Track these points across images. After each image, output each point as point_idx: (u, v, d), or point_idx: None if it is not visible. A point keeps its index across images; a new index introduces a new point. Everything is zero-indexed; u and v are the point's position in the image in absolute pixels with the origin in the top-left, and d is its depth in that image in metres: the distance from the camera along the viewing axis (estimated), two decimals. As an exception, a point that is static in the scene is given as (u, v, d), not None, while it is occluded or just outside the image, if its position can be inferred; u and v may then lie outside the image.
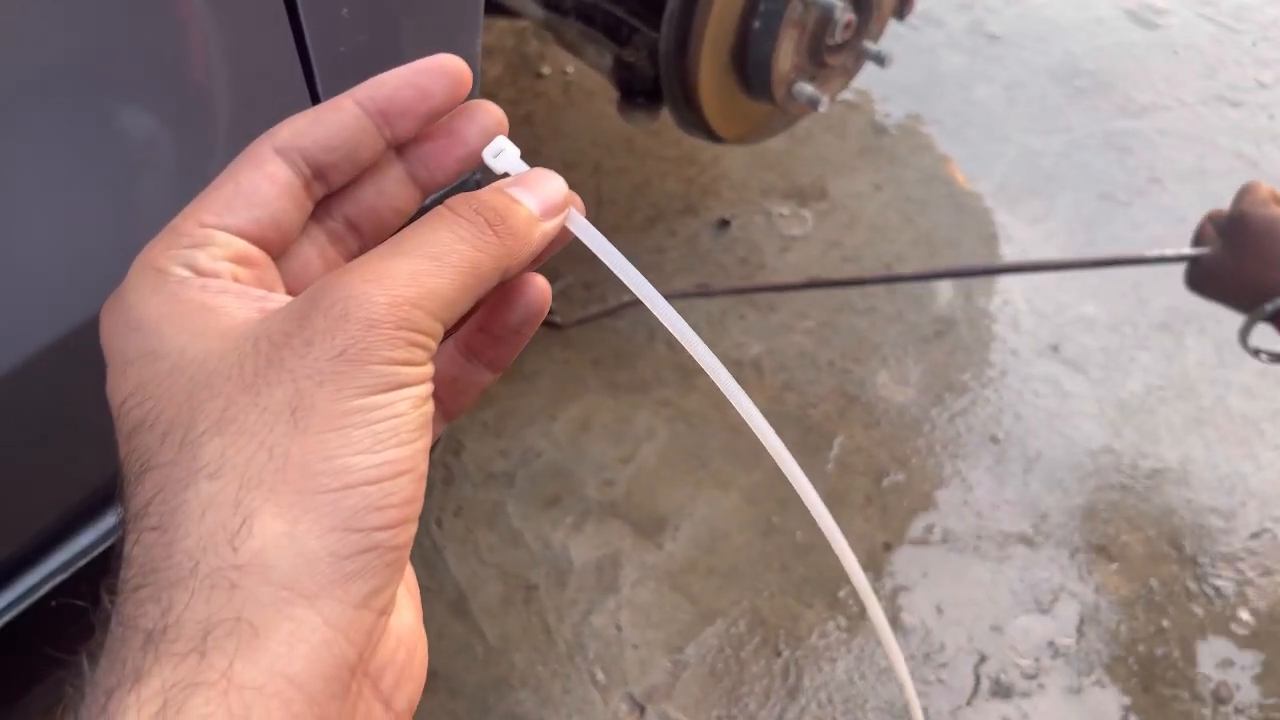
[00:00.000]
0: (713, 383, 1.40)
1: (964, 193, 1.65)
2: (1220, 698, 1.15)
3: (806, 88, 1.22)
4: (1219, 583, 1.24)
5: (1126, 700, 1.15)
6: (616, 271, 0.35)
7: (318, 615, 0.25)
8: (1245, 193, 1.04)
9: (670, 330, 0.36)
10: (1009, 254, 1.57)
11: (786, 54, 1.19)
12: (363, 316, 0.27)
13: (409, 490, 0.27)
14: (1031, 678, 1.16)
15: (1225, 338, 1.47)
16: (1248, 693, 1.16)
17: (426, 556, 1.25)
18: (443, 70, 0.32)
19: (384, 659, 0.28)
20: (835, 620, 1.21)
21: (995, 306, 1.51)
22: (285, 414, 0.26)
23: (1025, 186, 1.67)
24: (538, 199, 0.32)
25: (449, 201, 0.31)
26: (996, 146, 1.73)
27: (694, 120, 1.28)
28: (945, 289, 1.53)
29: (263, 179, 0.31)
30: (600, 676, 1.16)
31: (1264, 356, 1.07)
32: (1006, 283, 1.54)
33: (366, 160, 0.33)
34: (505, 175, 0.33)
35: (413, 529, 0.28)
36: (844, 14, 1.17)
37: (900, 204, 1.64)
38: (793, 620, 1.21)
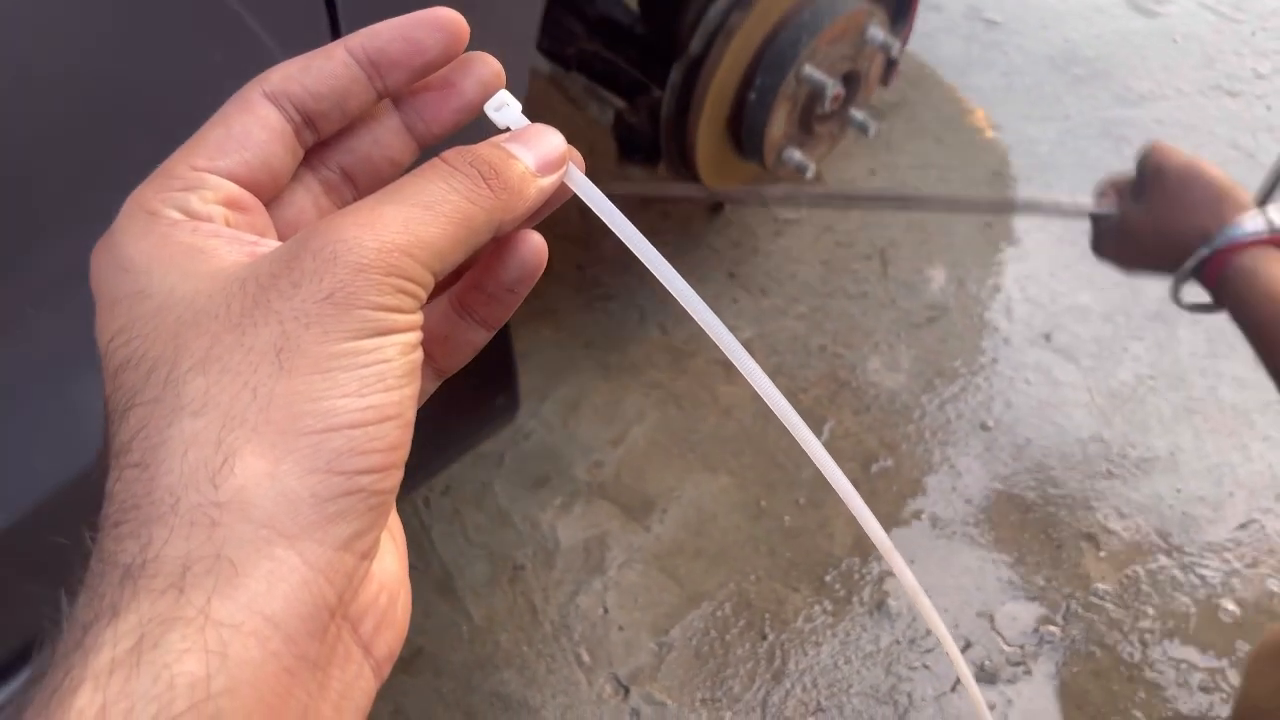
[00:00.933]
0: (703, 366, 1.41)
1: (959, 178, 1.64)
2: (1205, 687, 1.16)
3: (795, 154, 1.33)
4: (1205, 572, 1.24)
5: (1112, 687, 1.15)
6: (615, 229, 0.34)
7: (297, 555, 0.25)
8: (1154, 151, 1.00)
9: (669, 289, 0.35)
10: (1003, 240, 1.57)
11: (779, 124, 1.28)
12: (352, 260, 0.27)
13: (394, 436, 0.27)
14: (1017, 664, 1.17)
15: (1218, 328, 1.47)
16: (1231, 682, 1.16)
17: (413, 535, 1.25)
18: (438, 23, 0.31)
19: (365, 603, 0.27)
20: (821, 604, 1.21)
21: (988, 294, 1.51)
22: (270, 355, 0.26)
23: (1021, 173, 1.66)
24: (535, 154, 0.31)
25: (445, 154, 0.30)
26: (993, 133, 1.72)
27: (688, 176, 1.36)
28: (938, 277, 1.52)
29: (254, 122, 0.30)
30: (585, 657, 1.16)
31: (1194, 307, 1.00)
32: (1000, 270, 1.53)
33: (356, 110, 0.32)
34: (506, 130, 0.33)
35: (398, 475, 0.27)
36: (834, 89, 1.26)
37: (893, 189, 1.63)
38: (779, 604, 1.21)
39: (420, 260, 0.28)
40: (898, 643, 1.18)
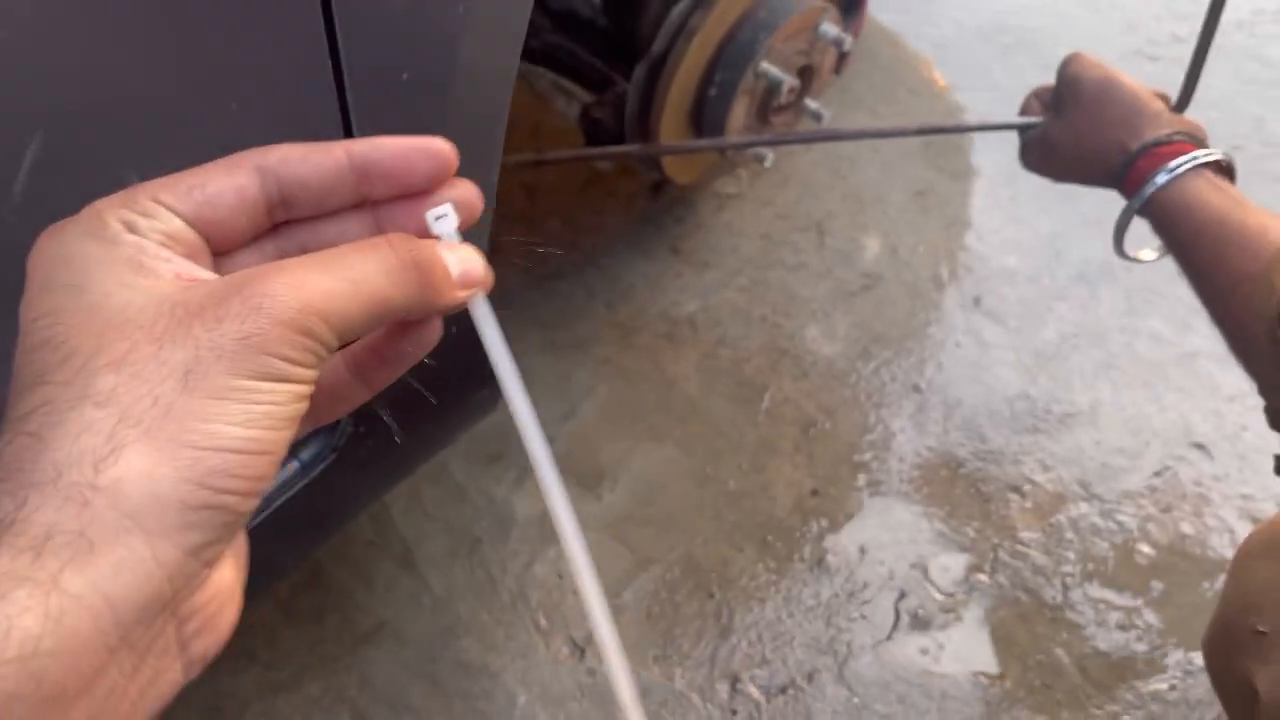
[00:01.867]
0: (650, 341, 1.47)
1: (890, 149, 1.70)
2: (1122, 625, 1.24)
3: (761, 137, 1.39)
4: (1123, 518, 1.32)
5: (1036, 629, 1.23)
6: (495, 364, 0.38)
7: (150, 551, 0.28)
8: (1071, 61, 1.01)
9: (511, 405, 0.40)
10: (933, 208, 1.63)
11: (738, 116, 1.35)
12: (274, 313, 0.30)
13: (263, 469, 0.30)
14: (949, 611, 1.24)
15: (1135, 287, 1.54)
16: (1147, 618, 1.24)
17: (374, 512, 1.30)
18: (434, 152, 0.36)
19: (196, 605, 0.31)
20: (764, 563, 1.27)
21: (920, 261, 1.57)
22: (180, 372, 0.29)
23: (950, 142, 1.72)
24: (461, 269, 0.36)
25: (390, 235, 0.34)
26: (925, 103, 1.78)
27: (652, 166, 1.44)
28: (873, 246, 1.59)
29: (230, 188, 0.34)
30: (542, 622, 1.22)
31: (1147, 253, 0.99)
32: (933, 238, 1.60)
33: (333, 207, 0.36)
34: (437, 237, 0.36)
35: (254, 503, 0.31)
36: (789, 83, 1.33)
37: (830, 162, 1.69)
38: (724, 564, 1.27)
39: (332, 326, 0.31)
40: (836, 596, 1.25)
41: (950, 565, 1.28)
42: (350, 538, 1.28)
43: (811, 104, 1.42)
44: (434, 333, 0.38)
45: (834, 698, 1.18)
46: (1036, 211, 1.63)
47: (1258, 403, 1.43)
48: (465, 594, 1.25)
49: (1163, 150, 0.90)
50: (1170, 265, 1.56)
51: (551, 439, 1.38)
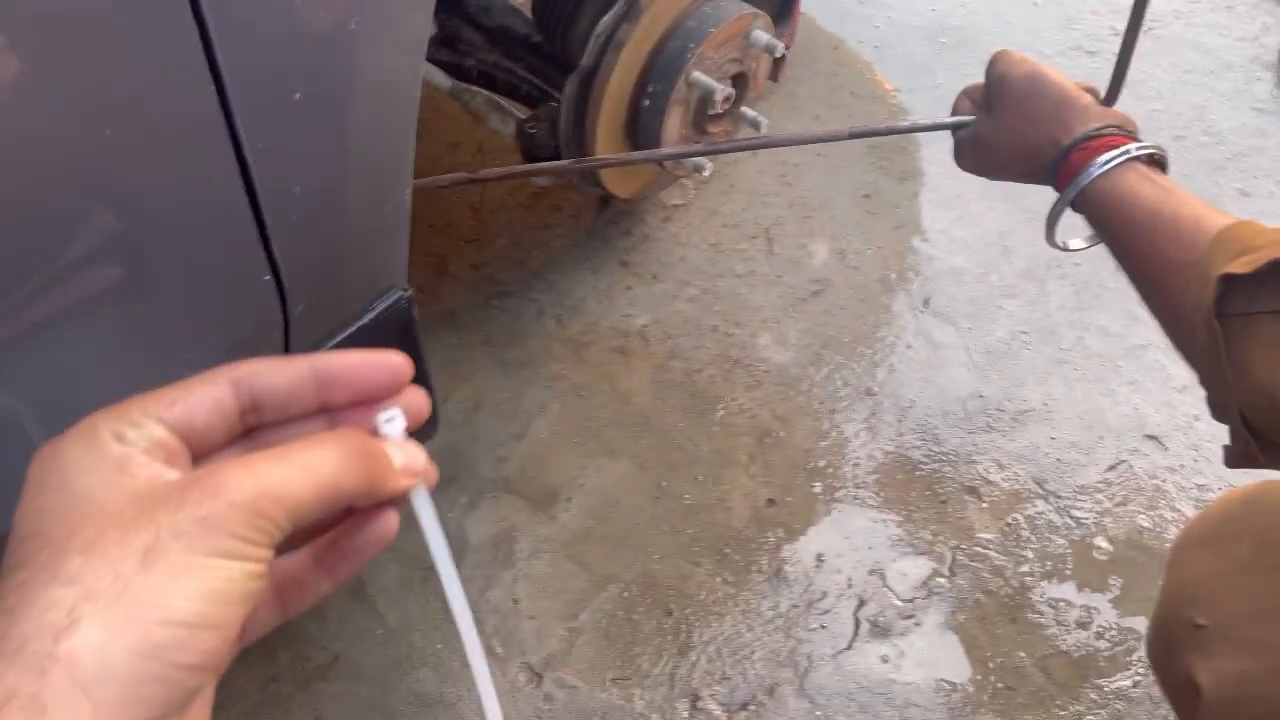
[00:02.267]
0: (601, 355, 1.45)
1: (835, 154, 1.70)
2: (1082, 623, 1.24)
3: (694, 147, 1.38)
4: (1079, 514, 1.32)
5: (997, 630, 1.23)
6: (432, 549, 0.41)
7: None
8: (998, 59, 1.01)
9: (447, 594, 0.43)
10: (880, 211, 1.63)
11: (674, 126, 1.34)
12: (229, 498, 0.34)
13: (214, 645, 0.33)
14: (908, 618, 1.23)
15: (1083, 281, 1.55)
16: (1107, 615, 1.24)
17: (324, 545, 1.27)
18: (390, 368, 0.40)
19: None
20: (722, 576, 1.26)
21: (868, 264, 1.57)
22: (140, 552, 0.33)
23: (895, 145, 1.72)
24: (406, 461, 0.40)
25: (340, 430, 0.39)
26: (868, 106, 1.78)
27: (592, 181, 1.42)
28: (821, 251, 1.58)
29: (209, 399, 0.38)
30: (498, 649, 1.20)
31: (1077, 242, 1.00)
32: (880, 241, 1.59)
33: (297, 413, 0.40)
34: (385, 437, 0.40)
35: (208, 680, 0.33)
36: (723, 92, 1.31)
37: (776, 169, 1.68)
38: (682, 580, 1.26)
39: (284, 509, 0.35)
40: (796, 607, 1.24)
41: (908, 570, 1.27)
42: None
43: (749, 112, 1.41)
44: (389, 528, 0.41)
45: (796, 711, 1.16)
46: (982, 210, 1.63)
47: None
48: (419, 624, 1.22)
49: (1094, 143, 0.89)
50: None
51: (504, 459, 1.36)
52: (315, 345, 0.81)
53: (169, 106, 0.58)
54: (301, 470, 0.36)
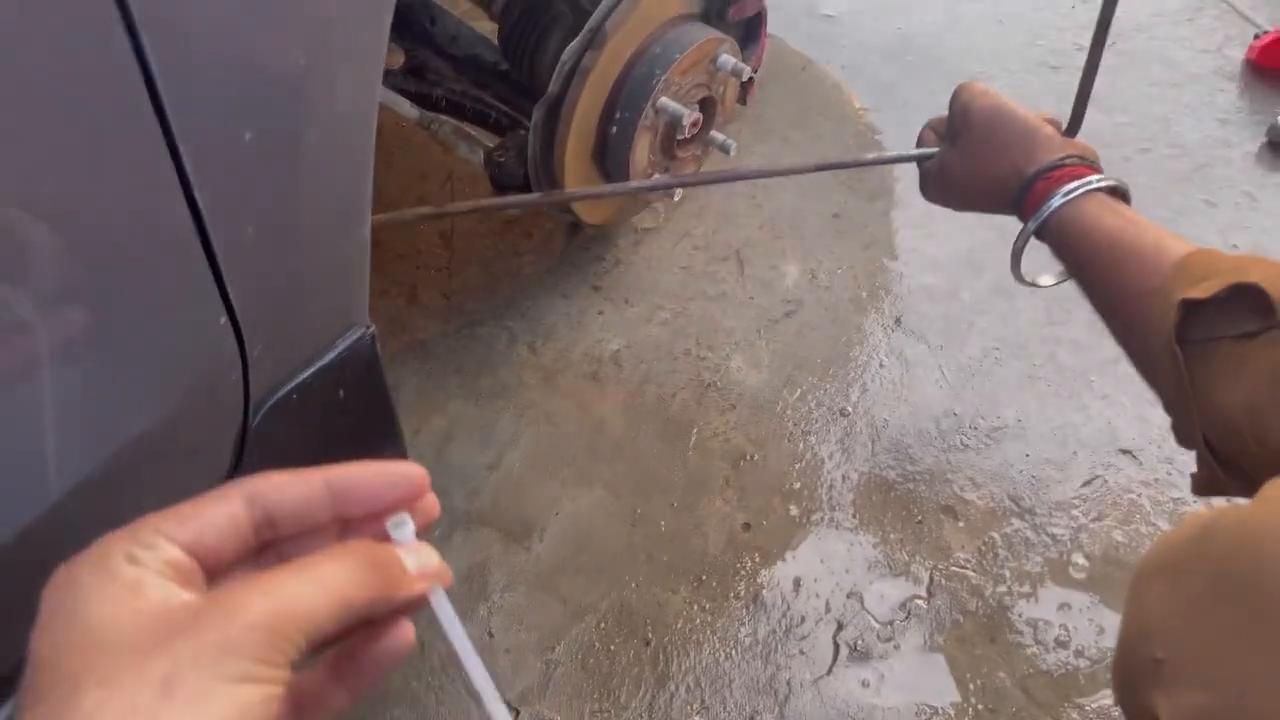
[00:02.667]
0: (574, 382, 1.45)
1: (805, 175, 1.70)
2: (1061, 641, 1.23)
3: (662, 180, 1.37)
4: (1055, 531, 1.31)
5: (976, 651, 1.22)
6: (456, 649, 0.41)
7: None
8: (961, 91, 1.01)
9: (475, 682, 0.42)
10: (850, 230, 1.63)
11: (642, 152, 1.34)
12: (246, 620, 0.34)
13: None
14: (887, 640, 1.22)
15: (1053, 296, 1.55)
16: (1085, 634, 1.23)
17: (295, 583, 1.26)
18: (406, 482, 0.41)
19: None
20: (700, 604, 1.25)
21: (840, 284, 1.57)
22: (157, 683, 0.33)
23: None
24: (419, 566, 0.40)
25: (352, 543, 0.39)
26: (837, 126, 1.79)
27: (562, 209, 1.42)
28: (792, 272, 1.58)
29: (223, 516, 0.39)
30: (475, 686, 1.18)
31: (1046, 278, 0.99)
32: (851, 261, 1.59)
33: (312, 527, 0.41)
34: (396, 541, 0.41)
35: None
36: (690, 117, 1.32)
37: (746, 190, 1.68)
38: (659, 608, 1.24)
39: (301, 628, 0.35)
40: (774, 633, 1.22)
41: (886, 592, 1.26)
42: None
43: (718, 135, 1.41)
44: (405, 640, 0.42)
45: (777, 739, 1.15)
46: (951, 228, 1.64)
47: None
48: (393, 661, 1.20)
49: (1057, 174, 0.90)
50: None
51: (477, 491, 1.35)
52: (276, 386, 0.80)
53: (115, 153, 0.57)
54: (316, 587, 0.36)
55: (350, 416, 0.92)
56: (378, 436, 0.98)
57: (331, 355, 0.83)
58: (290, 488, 0.40)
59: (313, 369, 0.82)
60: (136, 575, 0.36)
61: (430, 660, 1.20)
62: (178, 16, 0.55)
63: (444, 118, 1.40)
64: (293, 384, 0.81)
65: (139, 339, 0.68)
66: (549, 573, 1.28)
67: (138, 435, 0.67)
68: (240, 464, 0.80)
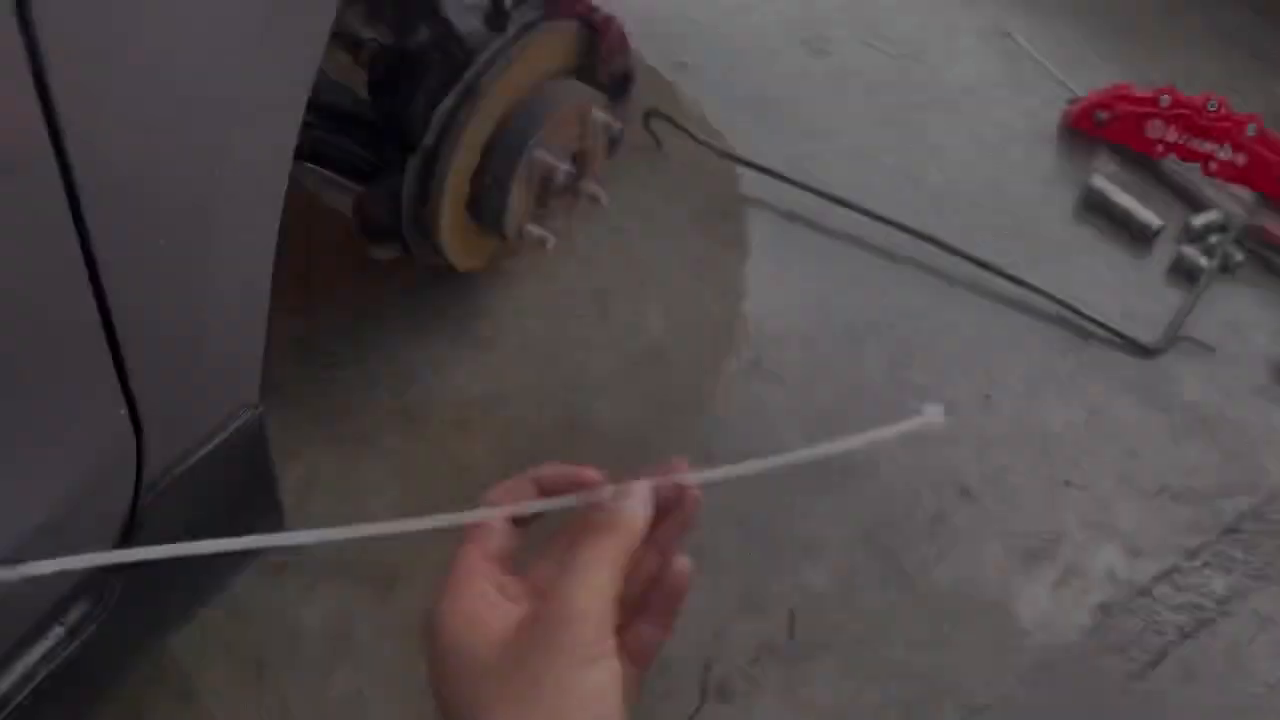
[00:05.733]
0: (439, 428, 1.44)
1: (664, 221, 1.75)
2: (915, 673, 1.30)
3: (535, 229, 1.43)
4: (905, 567, 1.39)
5: (840, 687, 1.27)
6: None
7: None
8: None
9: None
10: (709, 276, 1.68)
11: (518, 203, 1.37)
12: (573, 614, 0.44)
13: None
14: (751, 680, 1.26)
15: (898, 341, 1.65)
16: (935, 661, 1.31)
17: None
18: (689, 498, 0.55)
19: None
20: (571, 651, 1.26)
21: (701, 329, 1.61)
22: (548, 713, 0.43)
23: (722, 211, 1.79)
24: (629, 503, 0.52)
25: (594, 516, 0.51)
26: (692, 172, 1.84)
27: (434, 254, 1.43)
28: (655, 316, 1.62)
29: (507, 534, 0.55)
30: (341, 743, 1.16)
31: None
32: (710, 307, 1.65)
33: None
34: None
35: None
36: (564, 170, 1.36)
37: (610, 235, 1.72)
38: (530, 656, 1.25)
39: (606, 600, 0.45)
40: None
41: (750, 630, 1.30)
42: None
43: (589, 187, 1.44)
44: (681, 566, 0.54)
45: (649, 783, 1.17)
46: (804, 275, 1.71)
47: (1015, 444, 1.55)
48: (254, 723, 1.16)
49: None
50: (927, 322, 1.67)
51: (339, 542, 1.31)
52: (168, 469, 0.79)
53: (30, 253, 0.57)
54: (599, 562, 0.46)
55: (235, 493, 0.91)
56: (258, 512, 0.96)
57: (221, 437, 0.83)
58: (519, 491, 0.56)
59: (203, 451, 0.82)
60: (488, 608, 0.48)
61: (330, 691, 1.16)
62: (99, 105, 0.55)
63: (311, 166, 1.37)
64: (183, 467, 0.81)
65: (40, 433, 0.67)
66: (416, 625, 1.26)
67: (33, 528, 0.66)
68: (127, 540, 0.79)
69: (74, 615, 0.83)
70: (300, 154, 1.43)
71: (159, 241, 0.66)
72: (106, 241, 0.60)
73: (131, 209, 0.62)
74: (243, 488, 0.92)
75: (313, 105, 1.45)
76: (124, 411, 0.71)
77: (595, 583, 0.45)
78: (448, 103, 1.23)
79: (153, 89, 0.58)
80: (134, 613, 0.85)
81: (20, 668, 0.78)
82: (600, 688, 0.43)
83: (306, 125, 1.44)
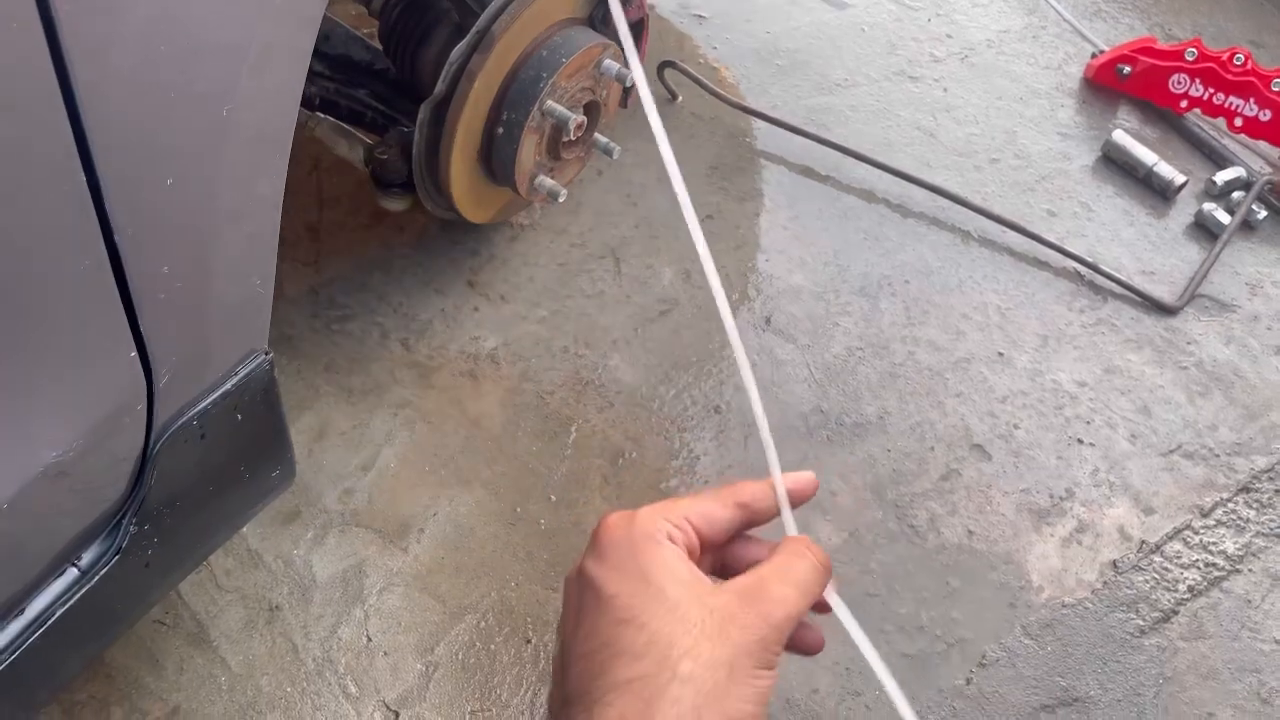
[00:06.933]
0: (450, 380, 1.44)
1: (681, 177, 1.73)
2: (921, 627, 1.30)
3: (547, 181, 1.40)
4: (915, 522, 1.39)
5: (850, 639, 1.27)
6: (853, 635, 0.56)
7: None
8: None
9: None
10: (722, 231, 1.67)
11: (528, 154, 1.35)
12: (773, 623, 0.48)
13: None
14: (760, 630, 1.27)
15: (913, 298, 1.63)
16: (949, 615, 1.31)
17: (159, 590, 1.21)
18: (805, 488, 0.58)
19: None
20: (580, 601, 1.26)
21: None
22: (727, 665, 0.46)
23: (736, 166, 1.77)
24: (819, 556, 0.54)
25: (801, 543, 0.54)
26: (708, 126, 1.82)
27: (446, 206, 1.41)
28: (668, 272, 1.61)
29: (724, 519, 0.54)
30: (352, 688, 1.17)
31: None
32: (723, 261, 1.63)
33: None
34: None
35: None
36: (576, 120, 1.33)
37: (621, 188, 1.70)
38: (540, 606, 1.25)
39: (792, 624, 0.49)
40: (653, 627, 1.25)
41: (760, 584, 1.30)
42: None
43: (602, 139, 1.42)
44: (823, 603, 0.56)
45: (656, 731, 1.18)
46: (818, 230, 1.70)
47: (1027, 402, 1.54)
48: (266, 667, 1.18)
49: None
50: (940, 278, 1.66)
51: (350, 491, 1.32)
52: (179, 414, 0.80)
53: (40, 202, 0.57)
54: (799, 590, 0.50)
55: (246, 439, 0.91)
56: (269, 457, 0.97)
57: (232, 382, 0.84)
58: (717, 513, 0.54)
59: (214, 395, 0.83)
60: (675, 554, 0.49)
61: (305, 664, 1.18)
62: (107, 53, 0.55)
63: (320, 115, 1.36)
64: (194, 411, 0.81)
65: (50, 374, 0.67)
66: (427, 573, 1.27)
67: (42, 467, 0.66)
68: (138, 487, 0.80)
69: (87, 557, 0.84)
70: (313, 105, 1.44)
71: (167, 181, 0.65)
72: (115, 182, 0.60)
73: (139, 150, 0.61)
74: (253, 433, 0.92)
75: (326, 56, 1.45)
76: (134, 354, 0.71)
77: (796, 607, 0.49)
78: (457, 51, 1.21)
79: (159, 28, 0.58)
80: (147, 556, 0.86)
81: (34, 609, 0.79)
82: (763, 694, 0.47)
83: (319, 76, 1.45)
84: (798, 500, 0.57)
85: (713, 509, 0.53)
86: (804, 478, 0.58)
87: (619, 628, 0.46)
